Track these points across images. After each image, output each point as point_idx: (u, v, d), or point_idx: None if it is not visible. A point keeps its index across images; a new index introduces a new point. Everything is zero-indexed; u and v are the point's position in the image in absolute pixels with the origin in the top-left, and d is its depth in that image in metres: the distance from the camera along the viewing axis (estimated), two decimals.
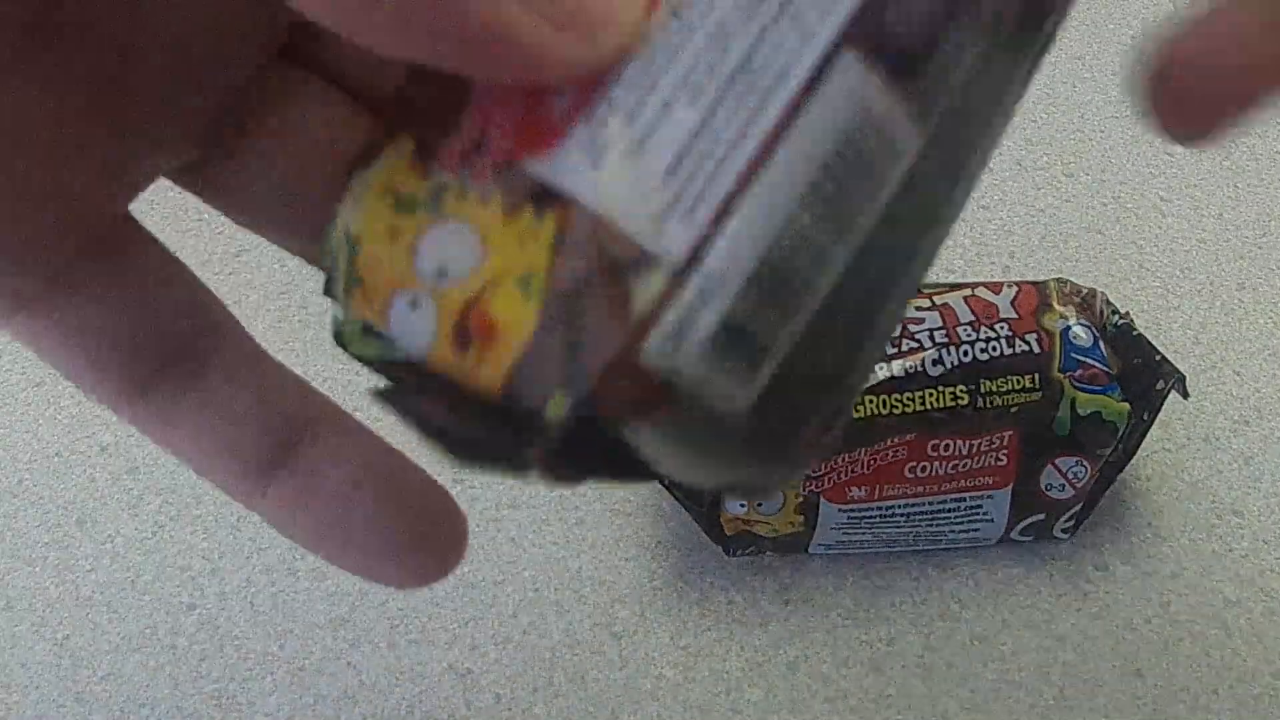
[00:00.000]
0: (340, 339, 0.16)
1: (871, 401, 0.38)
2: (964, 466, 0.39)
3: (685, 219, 0.14)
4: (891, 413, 0.38)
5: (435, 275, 0.15)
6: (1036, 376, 0.38)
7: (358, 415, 0.47)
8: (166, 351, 0.17)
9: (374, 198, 0.16)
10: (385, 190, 0.16)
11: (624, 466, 0.15)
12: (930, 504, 0.40)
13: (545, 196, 0.15)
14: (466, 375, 0.15)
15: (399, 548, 0.18)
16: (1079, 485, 0.40)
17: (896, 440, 0.38)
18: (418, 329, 0.15)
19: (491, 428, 0.15)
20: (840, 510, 0.40)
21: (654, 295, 0.14)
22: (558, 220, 0.14)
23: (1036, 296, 0.40)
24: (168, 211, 0.57)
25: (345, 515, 0.18)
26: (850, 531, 0.41)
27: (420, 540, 0.18)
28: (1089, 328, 0.40)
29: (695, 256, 0.14)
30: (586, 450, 0.15)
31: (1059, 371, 0.39)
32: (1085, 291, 0.42)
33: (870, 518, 0.40)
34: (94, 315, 0.17)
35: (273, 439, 0.18)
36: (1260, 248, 0.53)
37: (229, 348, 0.18)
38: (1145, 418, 0.40)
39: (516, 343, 0.14)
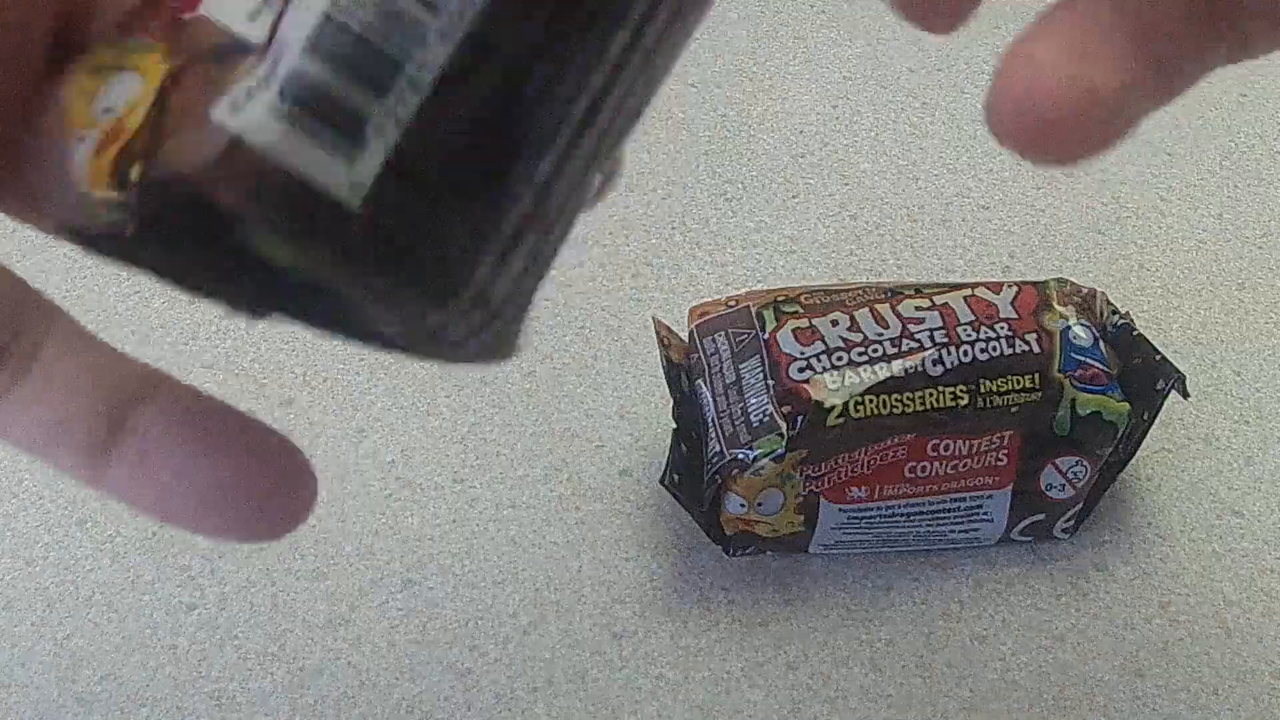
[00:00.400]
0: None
1: (871, 401, 0.38)
2: (964, 466, 0.39)
3: (271, 8, 0.16)
4: (891, 413, 0.38)
5: (102, 113, 0.17)
6: (1036, 376, 0.38)
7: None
8: None
9: (78, 73, 0.17)
10: (88, 67, 0.17)
11: (250, 270, 0.16)
12: (930, 504, 0.40)
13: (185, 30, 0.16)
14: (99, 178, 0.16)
15: (238, 502, 0.18)
16: (1079, 485, 0.40)
17: (896, 440, 0.38)
18: (80, 159, 0.17)
19: (115, 223, 0.16)
20: (840, 510, 0.40)
21: (235, 71, 0.15)
22: (185, 38, 0.16)
23: (1036, 296, 0.40)
24: None
25: (180, 474, 0.17)
26: (850, 531, 0.41)
27: (262, 493, 0.18)
28: (1089, 328, 0.40)
29: (272, 35, 0.15)
30: (193, 235, 0.16)
31: (1059, 371, 0.39)
32: (1085, 291, 0.42)
33: (870, 518, 0.40)
34: None
35: (106, 414, 0.18)
36: (1260, 248, 0.53)
37: (55, 336, 0.18)
38: (1145, 418, 0.40)
39: (126, 135, 0.16)
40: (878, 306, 0.40)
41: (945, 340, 0.39)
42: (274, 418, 0.47)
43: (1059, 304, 0.40)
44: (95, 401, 0.17)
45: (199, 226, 0.15)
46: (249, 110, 0.15)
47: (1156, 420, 0.41)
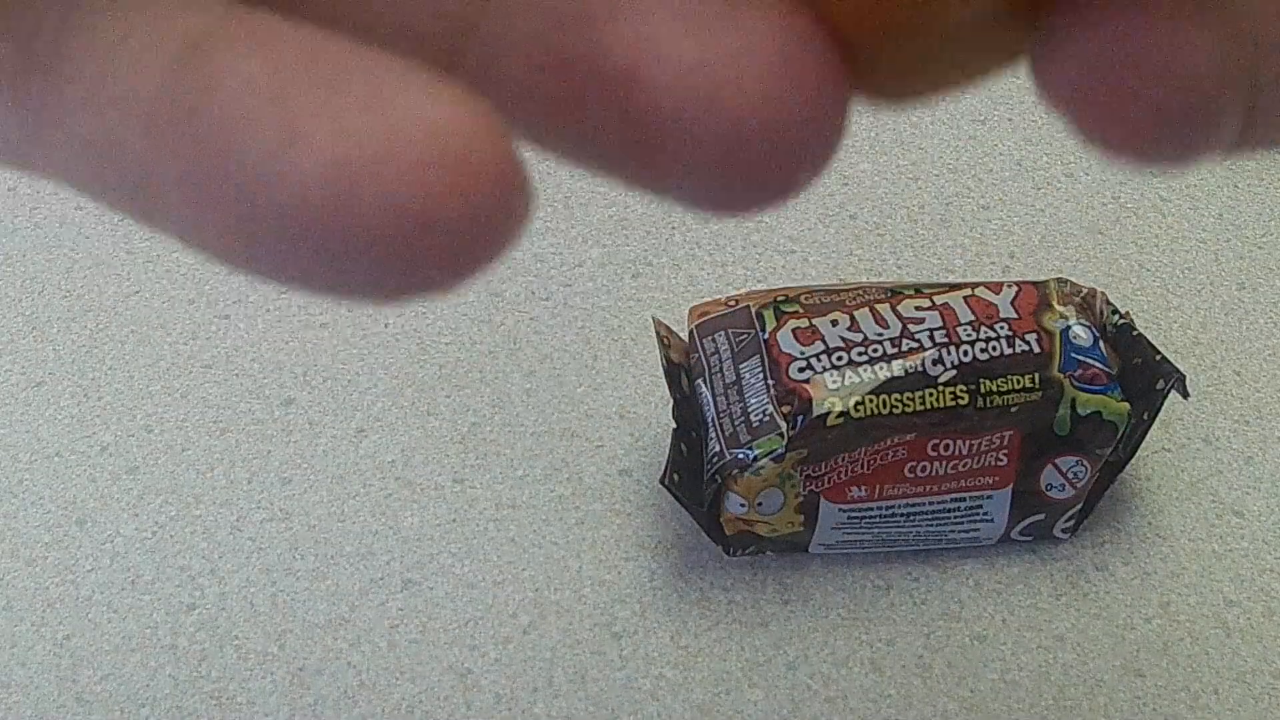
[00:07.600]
0: None
1: (871, 401, 0.38)
2: (964, 466, 0.39)
3: None
4: (891, 413, 0.38)
5: None
6: (1036, 376, 0.38)
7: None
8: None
9: None
10: None
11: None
12: (930, 504, 0.40)
13: None
14: None
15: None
16: (1079, 485, 0.40)
17: (896, 440, 0.38)
18: None
19: None
20: (840, 510, 0.40)
21: None
22: None
23: (1036, 296, 0.40)
24: None
25: None
26: (850, 531, 0.41)
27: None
28: (1089, 328, 0.40)
29: None
30: None
31: (1059, 371, 0.39)
32: (1085, 291, 0.42)
33: (870, 518, 0.40)
34: None
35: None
36: (1260, 248, 0.53)
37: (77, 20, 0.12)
38: (1145, 418, 0.40)
39: None
40: (878, 306, 0.40)
41: (945, 340, 0.39)
42: (274, 417, 0.47)
43: (1059, 304, 0.40)
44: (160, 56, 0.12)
45: None
46: None
47: (1156, 420, 0.41)
